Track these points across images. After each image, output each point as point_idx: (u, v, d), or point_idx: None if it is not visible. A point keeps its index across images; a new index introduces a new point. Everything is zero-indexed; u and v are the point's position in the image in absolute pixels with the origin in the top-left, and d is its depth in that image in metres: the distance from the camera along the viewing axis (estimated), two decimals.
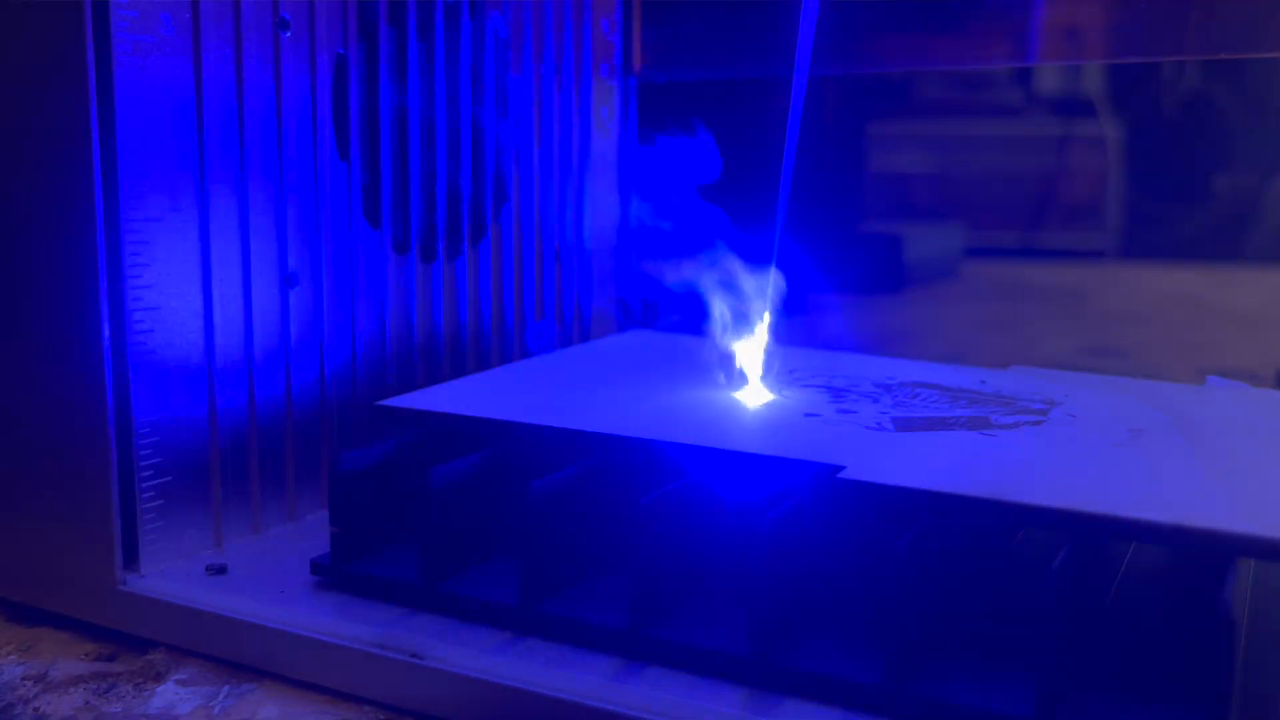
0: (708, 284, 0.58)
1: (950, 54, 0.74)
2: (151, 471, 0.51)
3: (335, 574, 0.50)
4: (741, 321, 0.58)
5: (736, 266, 0.58)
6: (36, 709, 0.46)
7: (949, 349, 0.60)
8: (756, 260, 0.57)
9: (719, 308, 0.58)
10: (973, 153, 0.80)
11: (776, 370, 0.58)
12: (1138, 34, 0.69)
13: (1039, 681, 0.38)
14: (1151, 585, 0.47)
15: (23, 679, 0.48)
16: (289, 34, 0.56)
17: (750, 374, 0.56)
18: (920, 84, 0.84)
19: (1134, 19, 0.69)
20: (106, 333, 0.49)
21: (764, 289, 0.57)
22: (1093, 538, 0.41)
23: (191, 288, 0.52)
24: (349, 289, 0.60)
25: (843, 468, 0.44)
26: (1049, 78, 0.77)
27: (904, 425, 0.51)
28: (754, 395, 0.55)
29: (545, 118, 0.73)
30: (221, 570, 0.52)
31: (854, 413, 0.53)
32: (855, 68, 0.81)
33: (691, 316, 0.58)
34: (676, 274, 0.59)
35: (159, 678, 0.48)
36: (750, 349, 0.57)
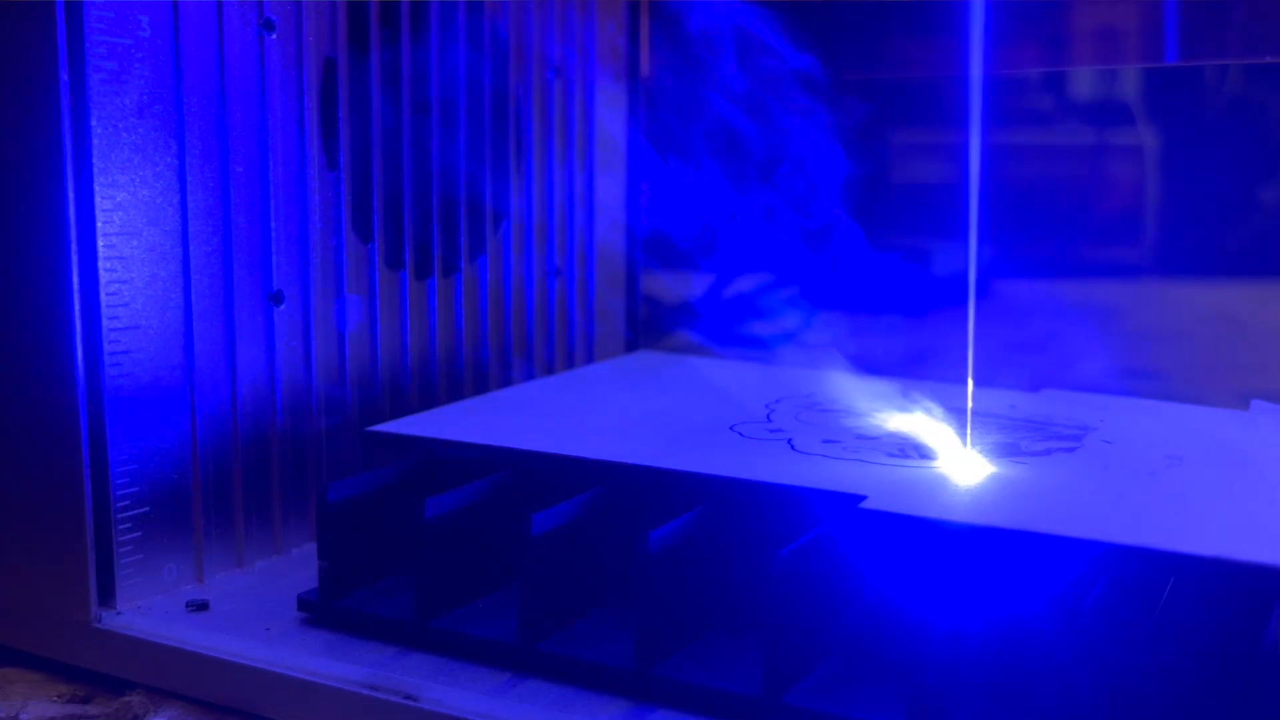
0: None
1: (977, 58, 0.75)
2: (129, 502, 0.51)
3: (324, 610, 0.50)
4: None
5: None
6: None
7: (976, 371, 0.60)
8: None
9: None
10: (1002, 163, 0.80)
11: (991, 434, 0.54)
12: (1177, 36, 0.69)
13: None
14: (1191, 622, 0.47)
15: None
16: (275, 36, 0.56)
17: (943, 443, 0.53)
18: (946, 89, 0.84)
19: (1173, 20, 0.69)
20: (80, 353, 0.49)
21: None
22: (1129, 571, 0.41)
23: (171, 305, 0.52)
24: (338, 307, 0.60)
25: (864, 498, 0.44)
26: (1082, 83, 0.77)
27: (929, 453, 0.51)
28: (960, 467, 0.50)
29: (547, 124, 0.73)
30: (203, 606, 0.52)
31: (875, 439, 0.53)
32: (877, 72, 0.81)
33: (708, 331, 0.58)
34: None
35: None
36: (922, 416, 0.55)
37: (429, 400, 0.65)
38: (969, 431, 0.52)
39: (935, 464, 0.50)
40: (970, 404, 0.52)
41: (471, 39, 0.66)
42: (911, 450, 0.51)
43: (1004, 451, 0.51)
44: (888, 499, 0.44)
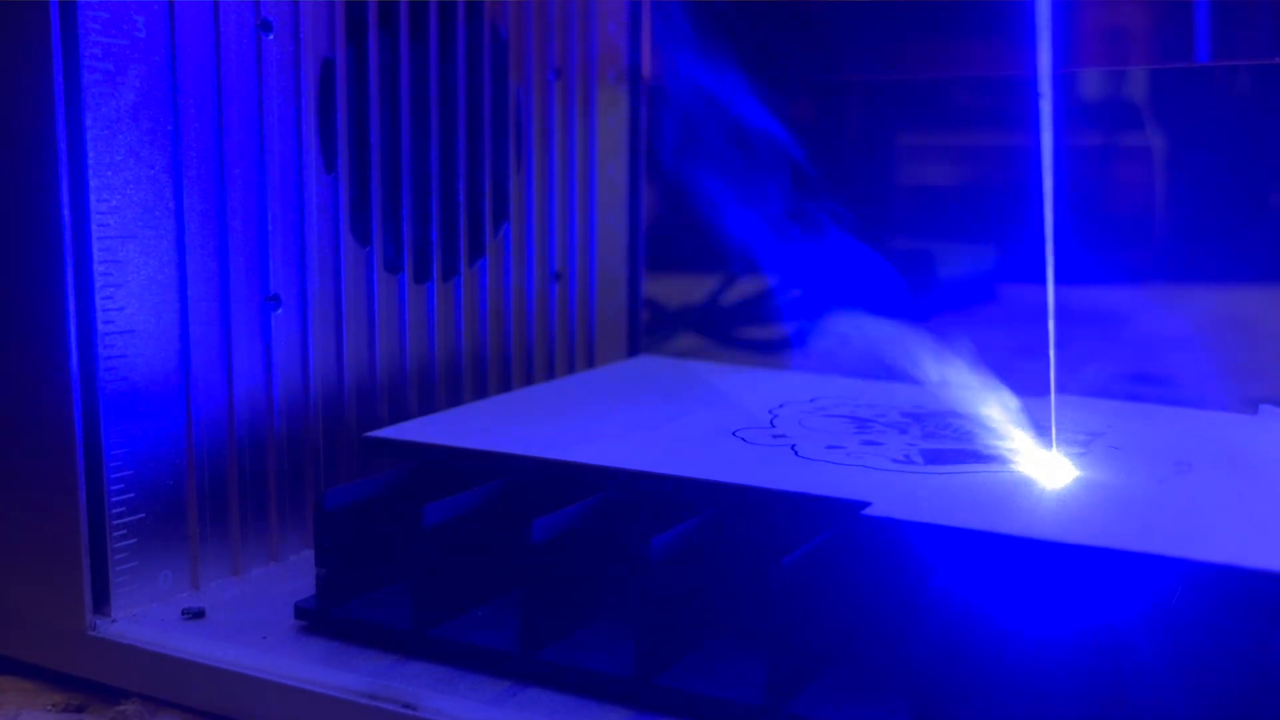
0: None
1: (984, 59, 0.75)
2: (123, 508, 0.51)
3: (321, 618, 0.50)
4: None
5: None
6: None
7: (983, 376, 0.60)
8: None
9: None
10: (1008, 166, 0.80)
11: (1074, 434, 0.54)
12: (1186, 37, 0.69)
13: None
14: (1200, 632, 0.47)
15: None
16: (272, 36, 0.56)
17: (1026, 441, 0.53)
18: (952, 91, 0.84)
19: (1183, 21, 0.69)
20: (75, 358, 0.49)
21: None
22: (1137, 579, 0.41)
23: (167, 310, 0.52)
24: (336, 311, 0.60)
25: (868, 504, 0.44)
26: (1090, 84, 0.77)
27: (933, 458, 0.51)
28: (1046, 469, 0.50)
29: (548, 126, 0.73)
30: (199, 614, 0.52)
31: (880, 444, 0.53)
32: (882, 74, 0.81)
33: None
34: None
35: None
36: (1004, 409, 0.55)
37: (428, 406, 0.65)
38: (1054, 436, 0.52)
39: (1018, 465, 0.50)
40: (1053, 410, 0.52)
41: (471, 40, 0.66)
42: (917, 458, 0.51)
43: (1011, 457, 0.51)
44: (891, 506, 0.44)
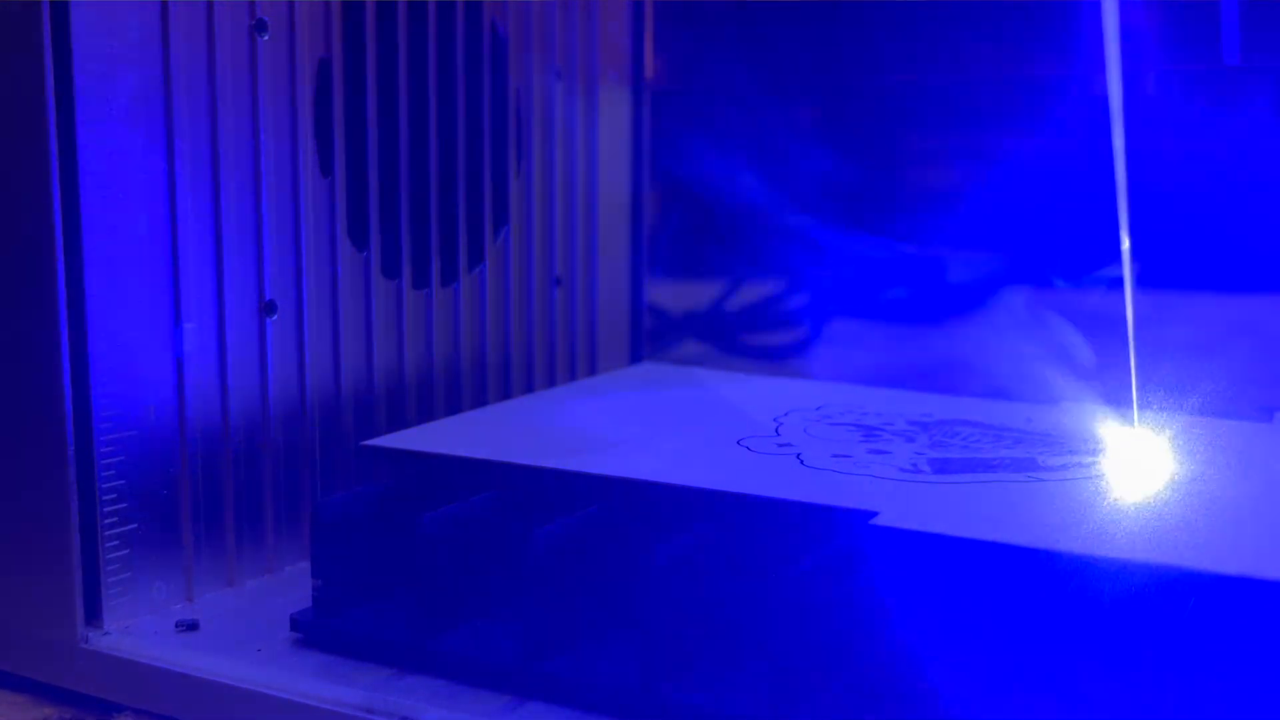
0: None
1: (993, 60, 0.75)
2: (116, 518, 0.52)
3: (317, 630, 0.51)
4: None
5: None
6: None
7: (991, 383, 0.60)
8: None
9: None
10: (1017, 168, 0.80)
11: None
12: (1201, 38, 0.69)
13: None
14: (1214, 643, 0.47)
15: None
16: (267, 37, 0.56)
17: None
18: (960, 92, 0.84)
19: (1197, 22, 0.69)
20: (67, 365, 0.50)
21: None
22: (1148, 588, 0.41)
23: (160, 315, 0.53)
24: (333, 317, 0.60)
25: (875, 514, 0.44)
26: (1102, 84, 0.77)
27: (942, 467, 0.51)
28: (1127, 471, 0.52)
29: (549, 128, 0.73)
30: (193, 627, 0.52)
31: (887, 453, 0.53)
32: (888, 75, 0.81)
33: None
34: None
35: None
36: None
37: (426, 413, 0.65)
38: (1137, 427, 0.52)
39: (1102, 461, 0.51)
40: (1136, 410, 0.53)
41: (471, 40, 0.67)
42: (925, 467, 0.51)
43: (1020, 466, 0.51)
44: (899, 515, 0.44)
